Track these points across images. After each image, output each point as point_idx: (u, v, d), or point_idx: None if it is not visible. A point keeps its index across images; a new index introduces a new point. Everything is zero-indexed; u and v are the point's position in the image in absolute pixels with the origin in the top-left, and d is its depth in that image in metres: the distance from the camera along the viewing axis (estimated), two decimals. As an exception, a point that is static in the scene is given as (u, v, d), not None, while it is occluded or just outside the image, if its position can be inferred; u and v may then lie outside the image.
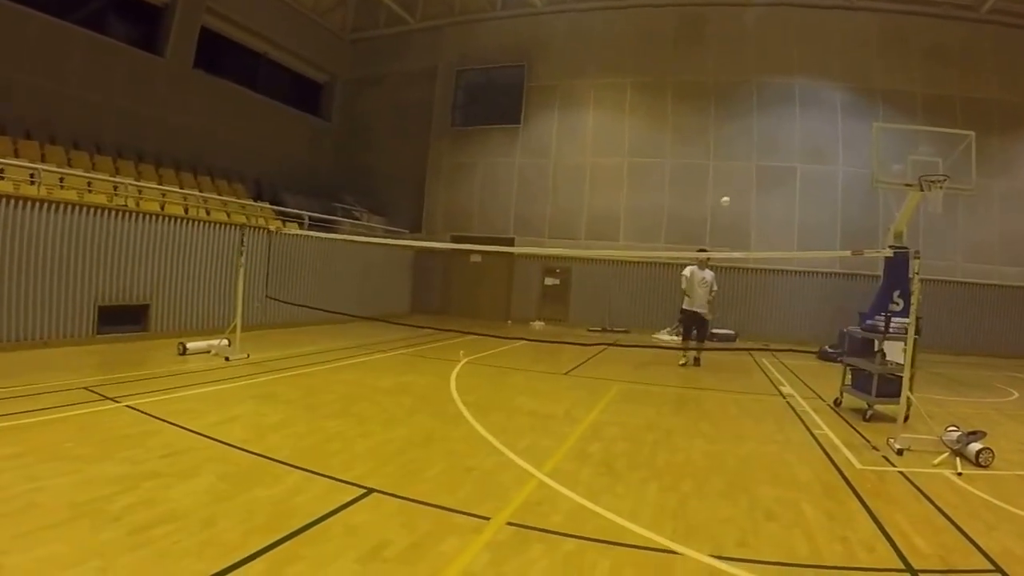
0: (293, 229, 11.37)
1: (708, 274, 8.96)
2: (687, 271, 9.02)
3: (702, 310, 8.93)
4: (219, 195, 11.79)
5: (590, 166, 14.30)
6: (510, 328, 13.00)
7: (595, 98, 14.45)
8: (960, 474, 4.02)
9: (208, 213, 10.26)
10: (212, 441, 3.85)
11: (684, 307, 9.04)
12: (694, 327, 9.14)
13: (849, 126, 13.27)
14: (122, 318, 7.94)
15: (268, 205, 12.56)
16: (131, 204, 8.63)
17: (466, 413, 5.12)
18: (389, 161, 16.32)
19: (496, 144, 14.93)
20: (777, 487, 3.64)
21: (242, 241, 7.68)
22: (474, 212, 14.89)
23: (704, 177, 13.76)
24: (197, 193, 10.59)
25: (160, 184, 10.42)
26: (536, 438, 4.43)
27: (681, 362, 8.90)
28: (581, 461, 3.91)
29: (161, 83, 12.31)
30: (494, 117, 14.94)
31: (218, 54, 14.05)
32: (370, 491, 3.15)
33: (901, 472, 4.05)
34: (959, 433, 4.52)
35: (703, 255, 8.58)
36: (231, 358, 6.88)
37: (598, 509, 3.11)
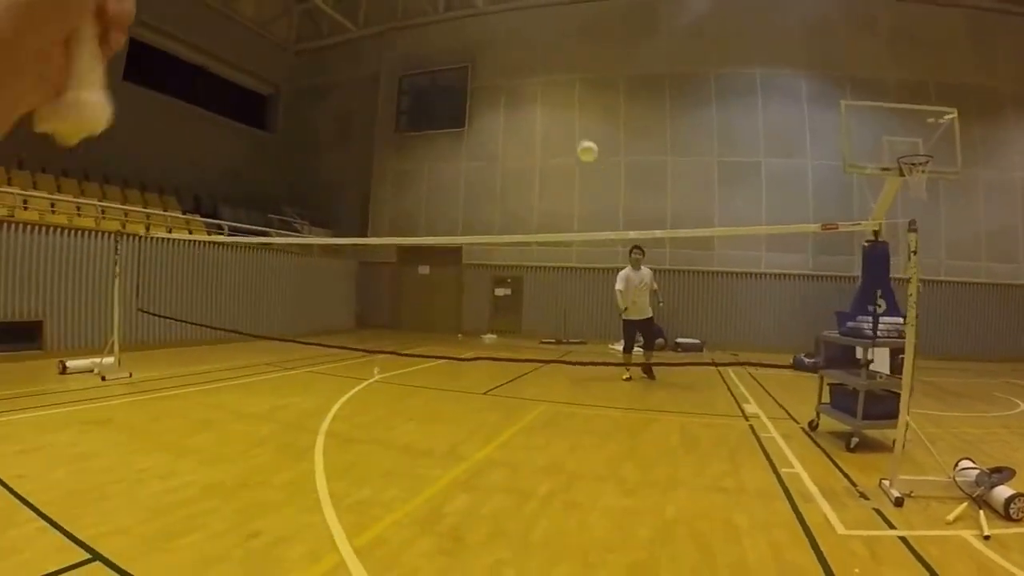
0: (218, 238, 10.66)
1: (646, 273, 7.53)
2: (621, 278, 7.47)
3: (646, 316, 7.55)
4: (145, 207, 11.12)
5: (539, 168, 13.43)
6: (460, 342, 12.09)
7: (542, 96, 13.64)
8: (987, 537, 2.77)
9: (124, 227, 9.57)
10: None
11: (625, 318, 7.55)
12: (636, 334, 7.62)
13: (817, 116, 12.39)
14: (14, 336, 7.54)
15: (197, 217, 11.91)
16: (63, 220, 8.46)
17: (319, 447, 4.17)
18: (334, 172, 15.57)
19: (441, 149, 14.08)
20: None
21: (116, 249, 6.94)
22: (420, 221, 13.99)
23: (662, 175, 12.88)
24: (97, 203, 9.83)
25: (79, 198, 9.79)
26: (383, 487, 3.33)
27: (625, 376, 7.46)
28: (424, 527, 2.78)
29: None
30: (438, 121, 14.16)
31: (153, 67, 13.47)
32: (94, 558, 2.30)
33: (903, 538, 2.76)
34: (977, 472, 3.29)
35: (637, 253, 7.06)
36: (108, 378, 6.31)
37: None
